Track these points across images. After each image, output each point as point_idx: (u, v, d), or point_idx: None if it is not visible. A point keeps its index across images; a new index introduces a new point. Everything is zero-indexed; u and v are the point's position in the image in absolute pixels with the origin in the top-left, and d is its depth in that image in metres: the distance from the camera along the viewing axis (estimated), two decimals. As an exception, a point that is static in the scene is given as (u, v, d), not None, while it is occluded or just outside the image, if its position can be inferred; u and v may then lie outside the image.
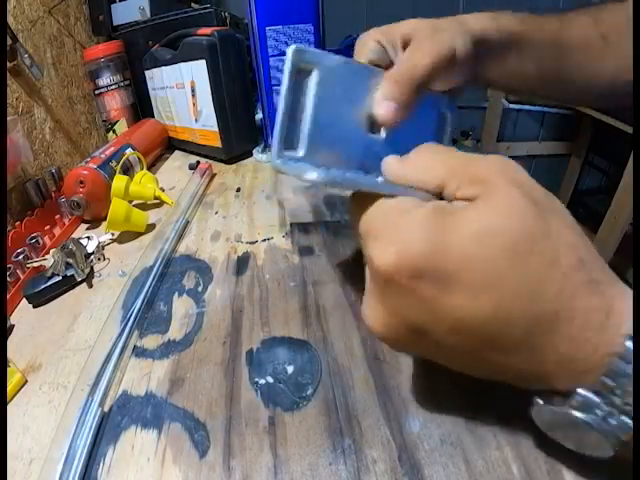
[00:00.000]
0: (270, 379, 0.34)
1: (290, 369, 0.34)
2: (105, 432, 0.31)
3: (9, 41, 0.61)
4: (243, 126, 0.80)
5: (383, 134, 0.34)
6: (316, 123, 0.31)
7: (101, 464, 0.29)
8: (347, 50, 1.46)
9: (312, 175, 0.26)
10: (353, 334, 0.37)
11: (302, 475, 0.27)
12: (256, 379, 0.34)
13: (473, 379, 0.29)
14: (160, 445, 0.30)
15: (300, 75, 0.30)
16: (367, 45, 0.35)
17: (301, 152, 0.30)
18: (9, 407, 0.34)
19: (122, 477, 0.28)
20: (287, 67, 0.30)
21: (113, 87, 0.87)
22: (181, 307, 0.43)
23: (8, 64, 0.62)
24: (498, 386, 0.31)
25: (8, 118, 0.59)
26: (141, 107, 0.94)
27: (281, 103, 0.30)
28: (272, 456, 0.28)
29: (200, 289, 0.45)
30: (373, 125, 0.33)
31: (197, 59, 0.72)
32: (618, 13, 0.40)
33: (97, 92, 0.87)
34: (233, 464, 0.28)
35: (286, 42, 0.73)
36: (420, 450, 0.28)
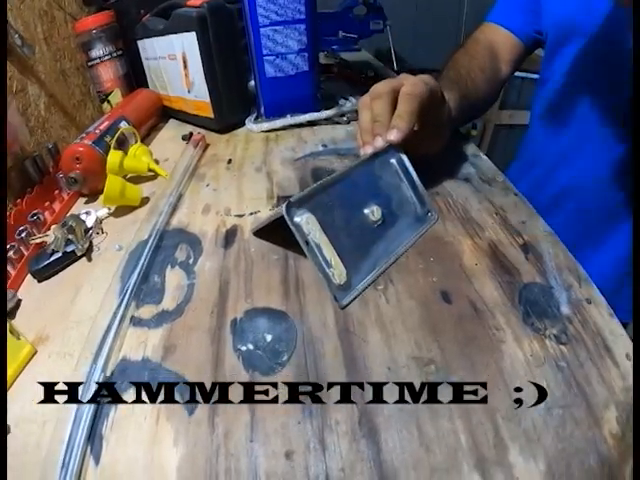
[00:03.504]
0: (250, 346, 0.37)
1: (269, 337, 0.38)
2: (108, 394, 0.35)
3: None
4: (235, 96, 0.80)
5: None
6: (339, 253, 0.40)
7: (105, 423, 0.33)
8: (345, 12, 1.41)
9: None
10: (328, 307, 0.40)
11: (275, 431, 0.31)
12: (238, 346, 0.37)
13: (432, 347, 0.32)
14: (155, 405, 0.34)
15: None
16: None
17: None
18: (22, 376, 0.37)
19: (124, 433, 0.32)
20: (292, 228, 0.38)
21: (106, 58, 0.87)
22: (173, 279, 0.46)
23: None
24: (455, 359, 0.35)
25: (3, 97, 0.60)
26: (135, 76, 0.95)
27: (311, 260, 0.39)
28: (250, 415, 0.32)
29: (191, 261, 0.48)
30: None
31: (187, 31, 0.72)
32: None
33: (90, 64, 0.87)
34: (217, 421, 0.32)
35: (276, 12, 0.72)
36: (379, 416, 0.31)
